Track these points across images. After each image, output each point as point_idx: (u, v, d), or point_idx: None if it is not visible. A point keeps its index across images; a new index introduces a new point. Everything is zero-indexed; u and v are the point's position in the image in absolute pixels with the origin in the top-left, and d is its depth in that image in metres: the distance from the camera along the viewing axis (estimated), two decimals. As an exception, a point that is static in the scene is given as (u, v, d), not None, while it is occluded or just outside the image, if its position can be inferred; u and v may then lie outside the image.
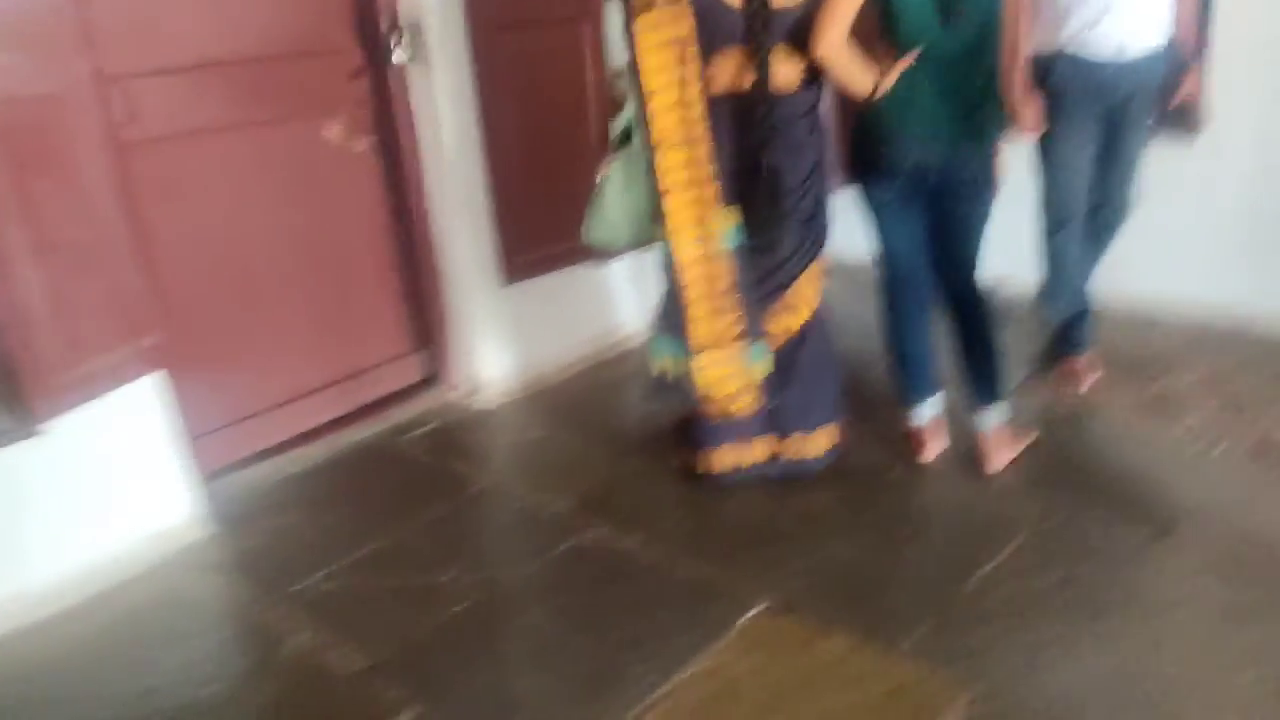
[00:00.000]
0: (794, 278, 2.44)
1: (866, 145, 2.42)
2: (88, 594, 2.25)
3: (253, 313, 2.73)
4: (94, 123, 2.16)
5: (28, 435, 2.11)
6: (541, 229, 3.05)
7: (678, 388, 2.48)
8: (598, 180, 2.50)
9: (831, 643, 1.96)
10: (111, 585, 2.29)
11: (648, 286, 3.51)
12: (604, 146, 2.59)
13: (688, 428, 2.60)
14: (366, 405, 3.08)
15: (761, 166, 2.31)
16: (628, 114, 2.40)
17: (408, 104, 2.89)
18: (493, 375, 3.18)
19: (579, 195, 2.57)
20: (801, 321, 2.48)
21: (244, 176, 2.65)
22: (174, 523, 2.44)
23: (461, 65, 2.83)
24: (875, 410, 2.85)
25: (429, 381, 3.25)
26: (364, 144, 2.90)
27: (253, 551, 2.43)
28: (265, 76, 2.65)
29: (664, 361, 2.49)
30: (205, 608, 2.24)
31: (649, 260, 2.72)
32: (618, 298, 3.55)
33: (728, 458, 2.54)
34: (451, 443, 2.96)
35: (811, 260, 2.46)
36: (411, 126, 2.91)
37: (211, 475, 2.64)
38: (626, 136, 2.43)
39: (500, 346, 3.19)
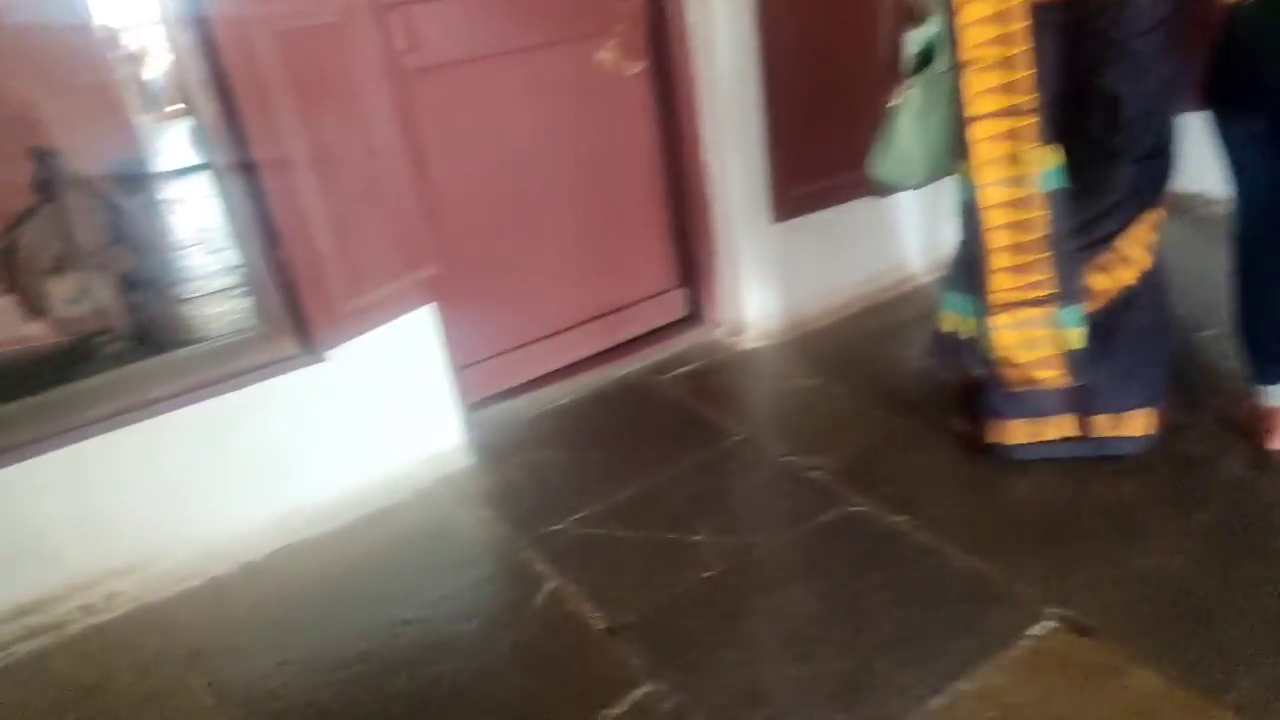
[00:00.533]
0: (1123, 228, 2.03)
1: (1231, 65, 1.93)
2: (356, 515, 2.36)
3: (521, 244, 2.71)
4: (374, 51, 2.15)
5: (313, 361, 2.20)
6: (819, 161, 2.79)
7: (968, 350, 2.17)
8: (888, 107, 2.19)
9: (1138, 679, 1.64)
10: (378, 508, 2.38)
11: (938, 224, 3.18)
12: (895, 69, 2.26)
13: (976, 392, 2.28)
14: (628, 341, 3.01)
15: (1096, 92, 1.91)
16: (929, 29, 2.07)
17: (683, 25, 2.69)
18: (758, 315, 3.00)
19: (863, 124, 2.29)
20: (1128, 281, 2.07)
21: (516, 103, 2.60)
22: (439, 450, 2.50)
23: (744, -19, 2.60)
24: (1213, 389, 2.38)
25: (692, 319, 3.12)
26: (636, 67, 2.75)
27: (510, 487, 2.45)
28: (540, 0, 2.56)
29: (953, 319, 2.18)
30: (463, 541, 2.28)
31: (943, 197, 2.39)
32: (899, 233, 3.22)
33: (1021, 431, 2.21)
34: (712, 385, 2.83)
35: (1147, 207, 2.03)
36: (685, 49, 2.72)
37: (474, 406, 2.69)
38: (926, 58, 2.09)
39: (767, 284, 2.98)
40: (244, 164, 2.02)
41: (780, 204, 2.83)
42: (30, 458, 1.96)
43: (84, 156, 2.18)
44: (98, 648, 2.05)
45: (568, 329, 2.89)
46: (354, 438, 2.36)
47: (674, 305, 3.10)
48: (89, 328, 2.16)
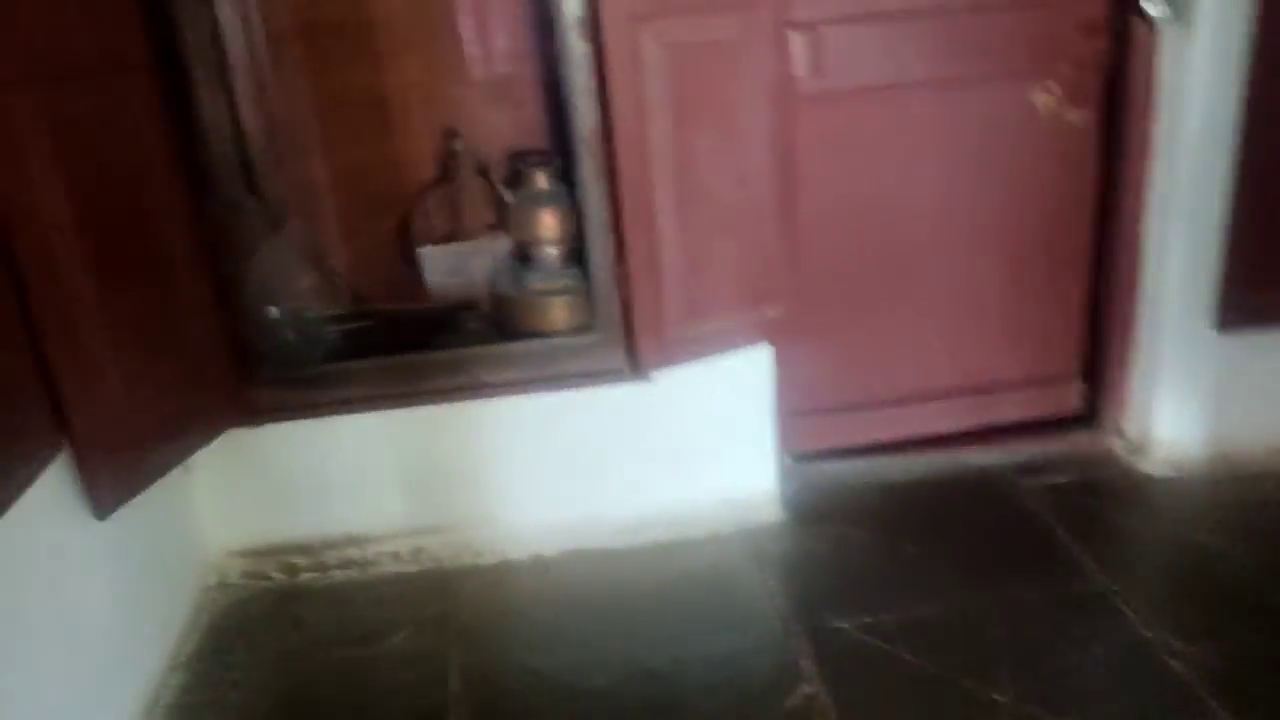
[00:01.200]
0: None
1: None
2: (648, 539, 2.29)
3: (888, 294, 2.44)
4: (768, 73, 2.01)
5: (636, 378, 2.16)
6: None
7: None
8: None
9: None
10: (670, 540, 2.29)
11: None
12: None
13: None
14: (996, 428, 2.60)
15: None
16: None
17: (1150, 74, 2.21)
18: (1172, 434, 2.43)
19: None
20: None
21: (918, 140, 2.32)
22: (745, 496, 2.34)
23: (1235, 29, 2.05)
24: None
25: (1084, 419, 2.62)
26: (1080, 117, 2.32)
27: (807, 557, 2.23)
28: (974, 28, 2.23)
29: None
30: (739, 602, 2.10)
31: None
32: None
33: None
34: (1086, 508, 2.34)
35: None
36: (1147, 104, 2.24)
37: (795, 457, 2.49)
38: None
39: (1194, 400, 2.40)
40: (608, 172, 2.00)
41: (1230, 308, 2.24)
42: (378, 409, 2.14)
43: (481, 142, 2.31)
44: (393, 594, 2.21)
45: (924, 398, 2.56)
46: (663, 463, 2.29)
47: (1065, 398, 2.62)
48: (455, 302, 2.31)
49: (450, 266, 2.36)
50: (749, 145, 2.04)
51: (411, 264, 2.35)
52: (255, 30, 2.32)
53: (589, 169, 2.04)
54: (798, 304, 2.24)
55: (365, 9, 2.27)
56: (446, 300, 2.35)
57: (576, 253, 2.19)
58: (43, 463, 1.59)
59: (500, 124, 2.32)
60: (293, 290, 2.35)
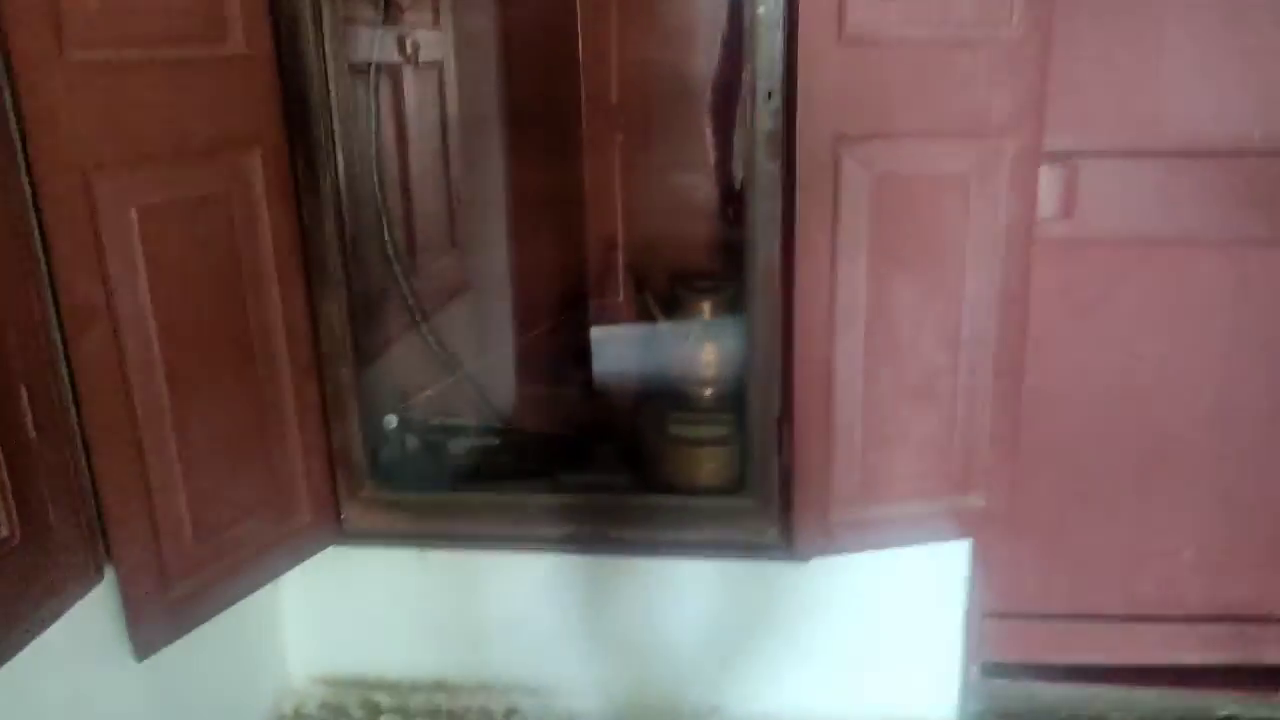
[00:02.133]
0: None
1: None
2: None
3: (1135, 488, 1.91)
4: (1006, 214, 1.58)
5: (790, 558, 1.76)
6: None
7: None
8: None
9: None
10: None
11: None
12: None
13: None
14: (1264, 669, 2.00)
15: None
16: None
17: None
18: None
19: None
20: None
21: (1193, 309, 1.80)
22: (921, 715, 1.88)
23: None
24: None
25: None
26: None
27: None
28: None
29: None
30: None
31: None
32: None
33: None
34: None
35: None
36: None
37: (987, 669, 1.99)
38: None
39: None
40: (784, 312, 1.63)
41: None
42: (488, 550, 1.85)
43: (644, 255, 2.01)
44: (476, 760, 1.91)
45: (1164, 618, 2.00)
46: (817, 663, 1.87)
47: (1362, 648, 1.99)
48: (590, 432, 2.01)
49: (622, 352, 2.03)
50: (966, 299, 1.61)
51: (549, 382, 2.07)
52: (416, 114, 2.14)
53: (761, 306, 1.68)
54: (1010, 493, 1.77)
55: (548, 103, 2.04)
56: (582, 427, 2.05)
57: (735, 397, 1.83)
58: (74, 594, 1.38)
59: (669, 240, 2.01)
60: (416, 398, 2.12)
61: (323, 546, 1.83)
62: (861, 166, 1.52)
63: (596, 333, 2.00)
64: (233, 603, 1.65)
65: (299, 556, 1.79)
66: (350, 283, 1.83)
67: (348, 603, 1.97)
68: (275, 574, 1.75)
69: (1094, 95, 1.71)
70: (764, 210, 1.61)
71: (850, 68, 1.47)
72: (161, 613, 1.51)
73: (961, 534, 1.76)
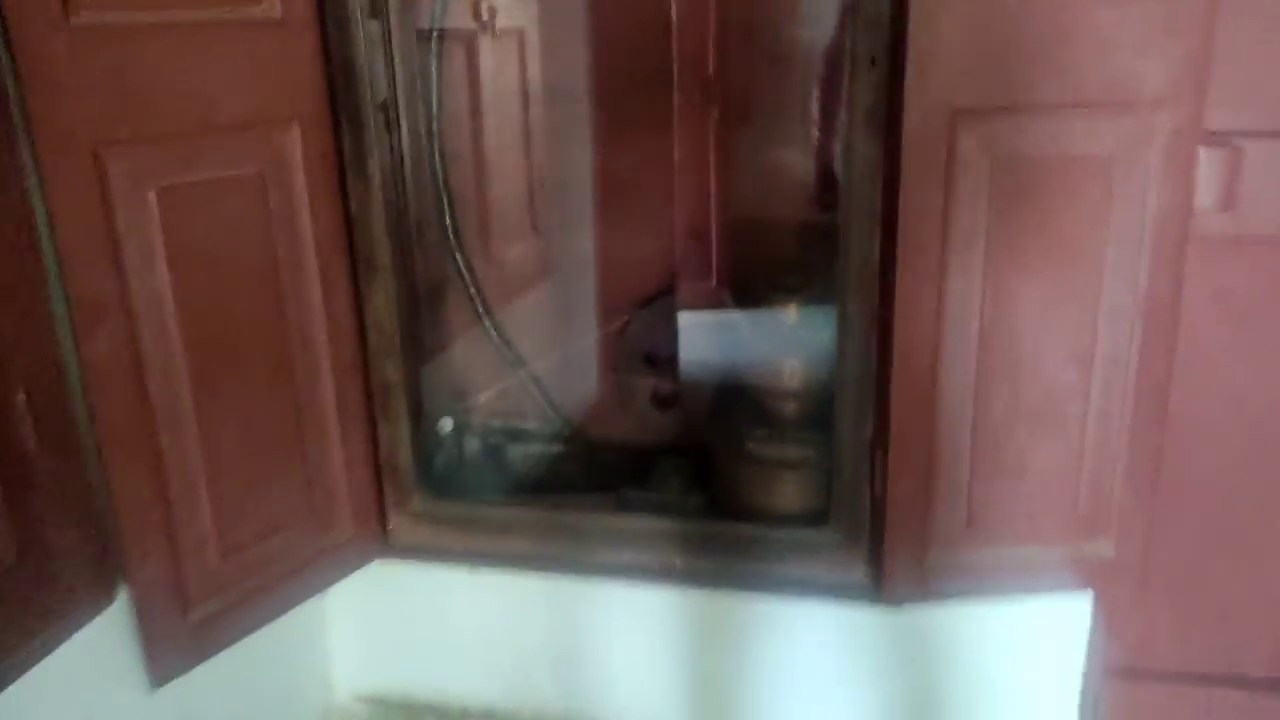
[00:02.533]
0: None
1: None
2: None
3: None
4: (1155, 205, 1.32)
5: (877, 602, 1.53)
6: None
7: None
8: None
9: None
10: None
11: None
12: None
13: None
14: None
15: None
16: None
17: None
18: None
19: None
20: None
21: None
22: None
23: None
24: None
25: None
26: None
27: None
28: None
29: None
30: None
31: None
32: None
33: None
34: None
35: None
36: None
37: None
38: None
39: None
40: (880, 319, 1.41)
41: None
42: (541, 572, 1.68)
43: (728, 248, 1.80)
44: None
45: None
46: (903, 714, 1.64)
47: None
48: (662, 444, 1.82)
49: (710, 342, 1.82)
50: (1104, 306, 1.36)
51: (622, 383, 1.88)
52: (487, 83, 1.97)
53: (855, 311, 1.45)
54: (1147, 539, 1.50)
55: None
56: (653, 437, 1.86)
57: (821, 414, 1.61)
58: (81, 618, 1.26)
59: (764, 229, 1.79)
60: (475, 400, 1.97)
61: (366, 561, 1.69)
62: (981, 147, 1.28)
63: (685, 318, 1.80)
64: (263, 624, 1.52)
65: (339, 573, 1.65)
66: (407, 273, 1.69)
67: (396, 620, 1.83)
68: (312, 592, 1.61)
69: (1265, 64, 1.43)
70: (861, 200, 1.38)
71: (972, 27, 1.22)
72: (181, 636, 1.39)
73: (1084, 585, 1.51)
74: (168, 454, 1.33)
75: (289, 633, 1.69)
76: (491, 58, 2.02)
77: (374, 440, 1.66)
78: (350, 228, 1.55)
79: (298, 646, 1.78)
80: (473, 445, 1.95)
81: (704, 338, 1.84)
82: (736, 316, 1.81)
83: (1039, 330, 1.37)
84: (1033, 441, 1.42)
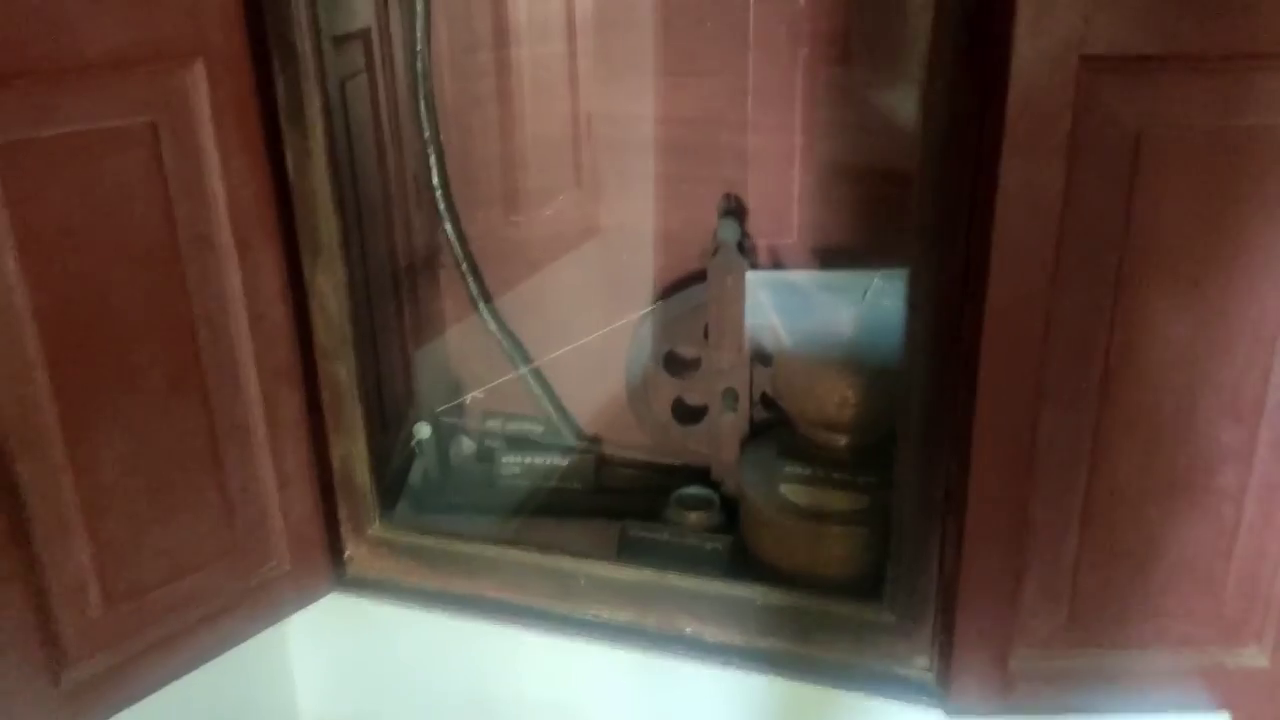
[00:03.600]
0: None
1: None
2: None
3: None
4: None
5: (938, 707, 1.18)
6: None
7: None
8: None
9: None
10: None
11: None
12: None
13: None
14: None
15: None
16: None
17: None
18: None
19: None
20: None
21: None
22: None
23: None
24: None
25: None
26: None
27: None
28: None
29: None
30: None
31: None
32: None
33: None
34: None
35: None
36: None
37: None
38: None
39: None
40: (968, 341, 1.03)
41: None
42: (517, 625, 1.36)
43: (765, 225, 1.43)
44: None
45: None
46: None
47: None
48: (683, 465, 1.48)
49: (785, 302, 1.44)
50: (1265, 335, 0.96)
51: (632, 391, 1.54)
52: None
53: (928, 326, 1.08)
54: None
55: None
56: (670, 459, 1.52)
57: (877, 451, 1.25)
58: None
59: (849, 193, 1.41)
60: (462, 403, 1.65)
61: (313, 599, 1.40)
62: (1122, 109, 0.88)
63: (753, 277, 1.43)
64: (171, 680, 1.24)
65: (278, 613, 1.36)
66: (378, 246, 1.37)
67: (359, 658, 1.54)
68: (241, 637, 1.32)
69: None
70: (938, 174, 1.00)
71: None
72: (54, 702, 1.11)
73: (1221, 704, 1.12)
74: (26, 487, 1.04)
75: (248, 661, 1.42)
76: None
77: (322, 455, 1.35)
78: (285, 195, 1.23)
79: (259, 675, 1.51)
80: (457, 455, 1.65)
81: (773, 303, 1.47)
82: (810, 280, 1.43)
83: (1188, 371, 0.98)
84: (1168, 519, 1.04)
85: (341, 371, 1.33)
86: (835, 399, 1.22)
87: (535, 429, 1.70)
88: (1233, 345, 0.96)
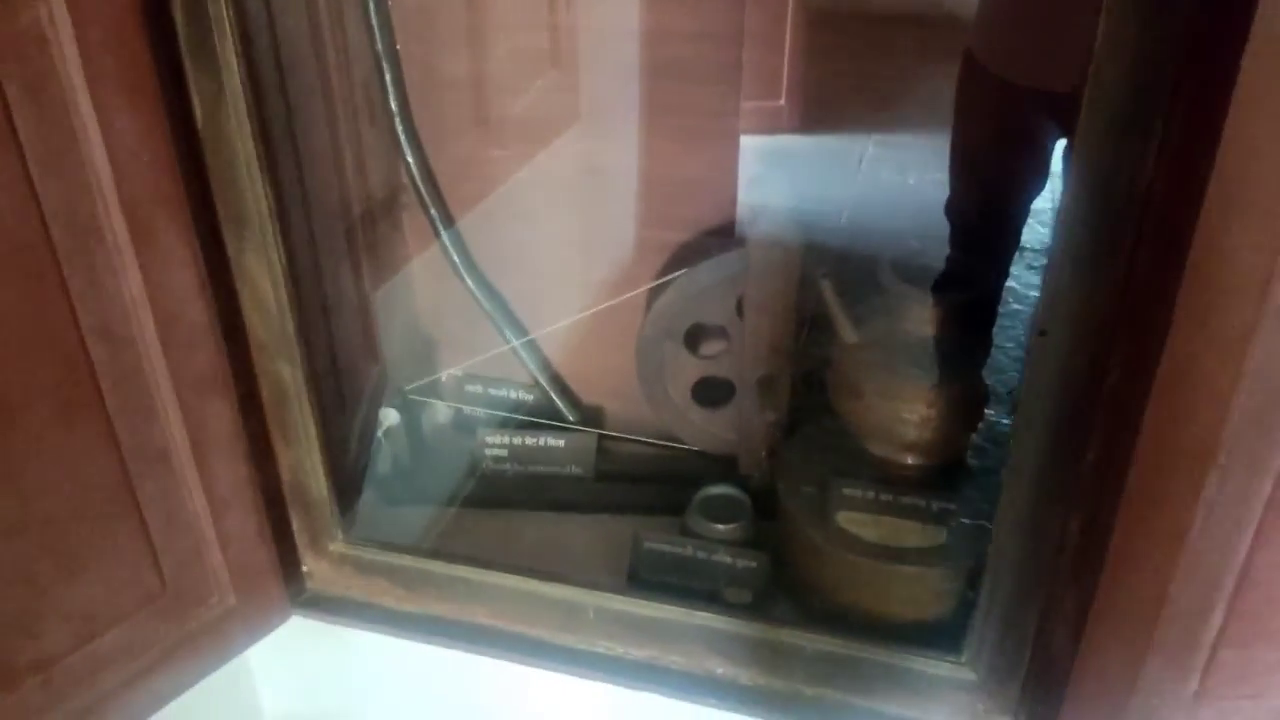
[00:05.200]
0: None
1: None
2: None
3: None
4: None
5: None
6: None
7: None
8: None
9: None
10: None
11: None
12: None
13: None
14: None
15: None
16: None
17: None
18: None
19: None
20: None
21: None
22: None
23: None
24: None
25: None
26: None
27: None
28: None
29: None
30: None
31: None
32: None
33: None
34: None
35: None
36: None
37: None
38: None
39: None
40: (1125, 316, 0.79)
41: None
42: (508, 658, 1.15)
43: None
44: None
45: None
46: None
47: None
48: (721, 455, 1.24)
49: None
50: None
51: (647, 370, 1.28)
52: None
53: (1071, 304, 0.82)
54: None
55: None
56: (694, 449, 1.28)
57: (949, 472, 1.02)
58: None
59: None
60: (432, 379, 1.40)
61: (266, 631, 1.18)
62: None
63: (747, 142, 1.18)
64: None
65: (224, 655, 1.13)
66: (334, 193, 1.09)
67: (329, 686, 1.34)
68: (181, 688, 1.10)
69: None
70: (1113, 112, 0.73)
71: None
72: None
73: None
74: None
75: (212, 694, 1.21)
76: None
77: (267, 468, 1.10)
78: (198, 158, 0.93)
79: (222, 710, 1.31)
80: (430, 427, 1.40)
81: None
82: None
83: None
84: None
85: (285, 369, 1.06)
86: (915, 417, 0.98)
87: (524, 398, 1.45)
88: None
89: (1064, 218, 0.79)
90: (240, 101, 0.92)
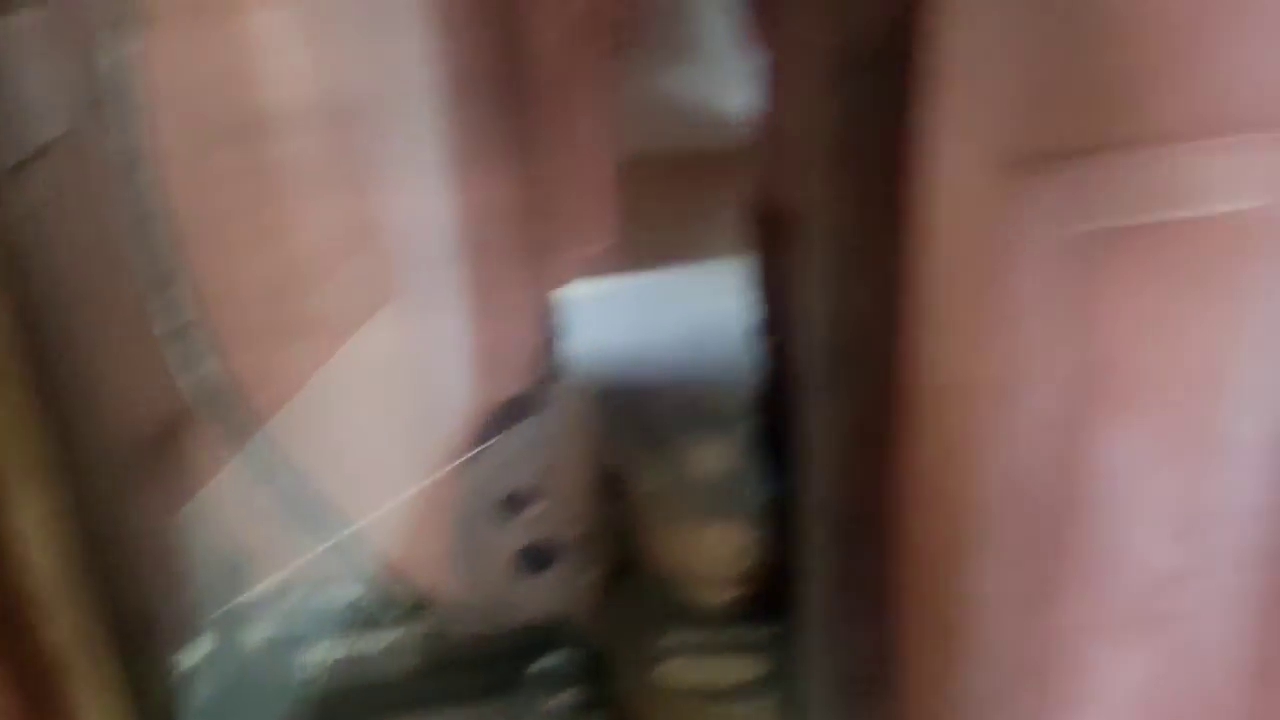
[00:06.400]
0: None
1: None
2: None
3: None
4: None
5: None
6: None
7: None
8: None
9: None
10: None
11: None
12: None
13: None
14: None
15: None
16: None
17: None
18: None
19: None
20: None
21: None
22: None
23: None
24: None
25: None
26: None
27: None
28: None
29: None
30: None
31: None
32: None
33: None
34: None
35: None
36: None
37: None
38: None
39: None
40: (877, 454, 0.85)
41: None
42: None
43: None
44: None
45: None
46: None
47: None
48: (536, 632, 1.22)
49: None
50: (1230, 445, 0.84)
51: (466, 543, 1.26)
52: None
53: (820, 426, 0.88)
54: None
55: None
56: (525, 620, 1.26)
57: (777, 606, 1.05)
58: None
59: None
60: (243, 600, 1.33)
61: None
62: (1053, 220, 0.72)
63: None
64: None
65: None
66: (127, 410, 1.02)
67: None
68: None
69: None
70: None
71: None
72: None
73: None
74: None
75: None
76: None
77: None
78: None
79: None
80: (253, 666, 1.31)
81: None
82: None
83: (1137, 492, 0.84)
84: (1113, 657, 0.90)
85: (61, 630, 0.97)
86: (727, 551, 1.00)
87: (346, 600, 1.38)
88: (1177, 458, 0.83)
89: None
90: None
